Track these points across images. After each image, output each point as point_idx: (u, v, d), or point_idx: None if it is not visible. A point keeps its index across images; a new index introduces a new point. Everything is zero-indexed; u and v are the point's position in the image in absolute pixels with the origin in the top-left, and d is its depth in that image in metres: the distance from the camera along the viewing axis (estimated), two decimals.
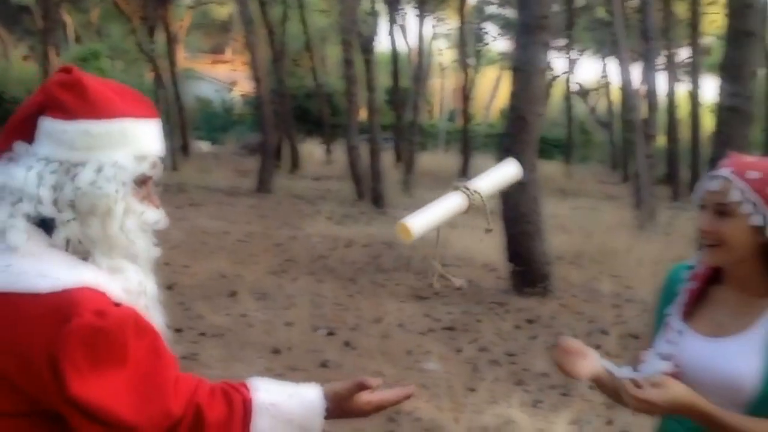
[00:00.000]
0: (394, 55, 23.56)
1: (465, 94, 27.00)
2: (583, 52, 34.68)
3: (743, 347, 2.05)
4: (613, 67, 33.34)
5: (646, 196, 15.33)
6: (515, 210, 8.76)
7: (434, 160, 28.43)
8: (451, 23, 36.14)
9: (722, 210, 2.00)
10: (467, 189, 2.27)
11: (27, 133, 1.59)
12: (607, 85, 30.28)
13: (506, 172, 2.43)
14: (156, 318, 1.64)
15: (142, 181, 1.64)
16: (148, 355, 1.50)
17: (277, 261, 10.29)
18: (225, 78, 43.68)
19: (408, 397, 1.82)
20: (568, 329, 7.48)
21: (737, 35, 8.04)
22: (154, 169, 1.66)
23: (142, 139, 1.63)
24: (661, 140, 22.84)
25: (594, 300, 8.91)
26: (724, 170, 2.00)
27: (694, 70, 24.45)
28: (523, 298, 8.51)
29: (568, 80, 31.10)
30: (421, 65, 22.87)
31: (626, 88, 17.39)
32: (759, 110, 22.76)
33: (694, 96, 24.33)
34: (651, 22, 16.96)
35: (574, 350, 2.10)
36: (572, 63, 30.88)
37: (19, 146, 1.59)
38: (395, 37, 24.14)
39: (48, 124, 1.57)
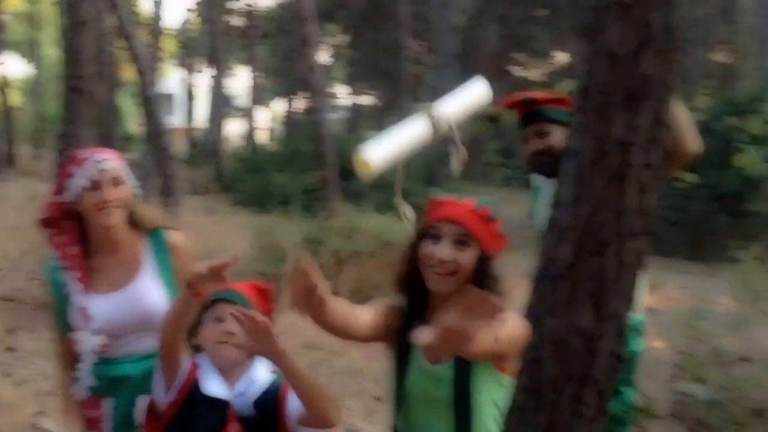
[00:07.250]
0: None
1: None
2: None
3: (145, 285, 2.38)
4: None
5: None
6: None
7: None
8: None
9: (117, 182, 2.33)
10: (433, 116, 1.80)
11: None
12: None
13: (474, 92, 1.93)
14: None
15: None
16: None
17: None
18: None
19: None
20: None
21: (75, 25, 8.06)
22: None
23: None
24: None
25: None
26: (108, 155, 2.34)
27: None
28: None
29: None
30: None
31: None
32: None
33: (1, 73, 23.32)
34: None
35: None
36: None
37: None
38: None
39: None
